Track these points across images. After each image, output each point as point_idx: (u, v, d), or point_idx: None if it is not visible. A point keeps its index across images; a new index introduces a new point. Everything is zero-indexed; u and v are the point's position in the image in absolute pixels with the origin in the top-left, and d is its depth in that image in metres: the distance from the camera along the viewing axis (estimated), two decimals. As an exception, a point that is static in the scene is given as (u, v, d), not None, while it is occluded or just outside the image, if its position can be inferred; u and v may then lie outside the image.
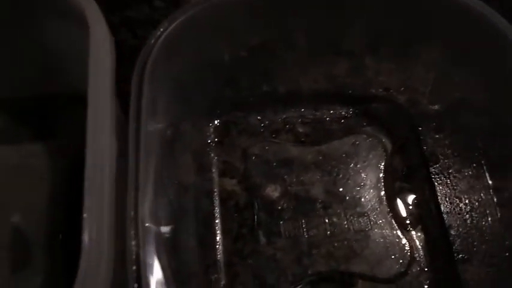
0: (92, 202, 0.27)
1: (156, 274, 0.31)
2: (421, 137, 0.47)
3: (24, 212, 0.41)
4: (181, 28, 0.37)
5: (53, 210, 0.42)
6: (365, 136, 0.48)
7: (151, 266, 0.30)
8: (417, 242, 0.44)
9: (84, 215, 0.26)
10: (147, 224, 0.32)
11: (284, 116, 0.49)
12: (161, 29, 0.36)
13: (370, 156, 0.47)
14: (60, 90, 0.45)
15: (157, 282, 0.30)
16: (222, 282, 0.42)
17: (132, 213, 0.30)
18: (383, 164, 0.47)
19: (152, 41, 0.36)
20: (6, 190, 0.42)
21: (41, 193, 0.42)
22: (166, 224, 0.36)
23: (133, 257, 0.30)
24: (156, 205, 0.33)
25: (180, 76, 0.41)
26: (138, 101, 0.33)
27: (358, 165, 0.47)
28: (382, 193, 0.46)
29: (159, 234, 0.33)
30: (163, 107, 0.37)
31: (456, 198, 0.45)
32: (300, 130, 0.48)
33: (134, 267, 0.29)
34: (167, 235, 0.37)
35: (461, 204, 0.45)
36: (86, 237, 0.26)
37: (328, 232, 0.44)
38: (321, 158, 0.47)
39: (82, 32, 0.32)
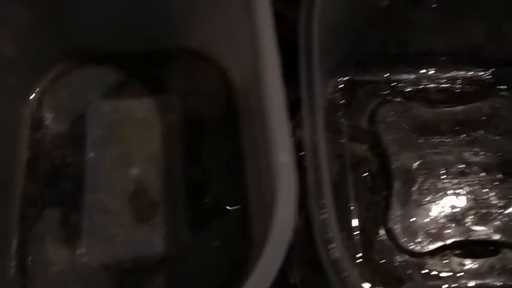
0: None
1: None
2: None
3: (145, 165, 0.41)
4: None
5: (172, 163, 0.41)
6: (505, 100, 0.44)
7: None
8: None
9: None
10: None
11: (415, 78, 0.46)
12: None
13: (512, 121, 0.44)
14: (177, 46, 0.44)
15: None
16: (357, 250, 0.39)
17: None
18: (526, 130, 0.43)
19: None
20: (126, 144, 0.42)
21: (159, 147, 0.42)
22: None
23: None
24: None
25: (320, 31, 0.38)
26: (308, 55, 0.31)
27: (498, 130, 0.43)
28: (527, 160, 0.42)
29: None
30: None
31: None
32: (433, 92, 0.45)
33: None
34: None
35: None
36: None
37: (469, 201, 0.41)
38: (457, 122, 0.44)
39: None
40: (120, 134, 0.42)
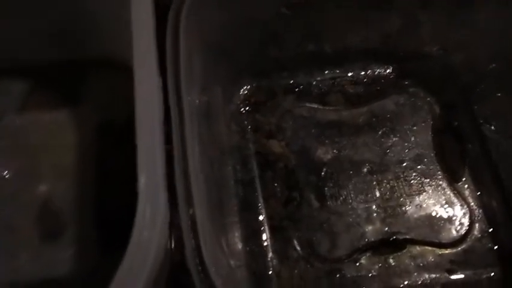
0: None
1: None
2: (476, 96, 0.44)
3: (55, 180, 0.39)
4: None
5: (83, 178, 0.39)
6: (411, 95, 0.45)
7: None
8: (476, 204, 0.41)
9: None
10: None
11: (331, 75, 0.46)
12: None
13: (419, 115, 0.44)
14: (89, 55, 0.43)
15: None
16: (273, 247, 0.39)
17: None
18: (433, 123, 0.44)
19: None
20: (37, 158, 0.40)
21: (71, 160, 0.40)
22: (208, 188, 0.33)
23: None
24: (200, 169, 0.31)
25: (218, 32, 0.38)
26: (175, 59, 0.30)
27: (407, 126, 0.44)
28: (433, 154, 0.42)
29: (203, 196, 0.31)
30: (204, 64, 0.34)
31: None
32: (349, 89, 0.46)
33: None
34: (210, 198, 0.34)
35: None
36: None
37: (381, 196, 0.41)
38: (370, 118, 0.44)
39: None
40: (31, 148, 0.41)
